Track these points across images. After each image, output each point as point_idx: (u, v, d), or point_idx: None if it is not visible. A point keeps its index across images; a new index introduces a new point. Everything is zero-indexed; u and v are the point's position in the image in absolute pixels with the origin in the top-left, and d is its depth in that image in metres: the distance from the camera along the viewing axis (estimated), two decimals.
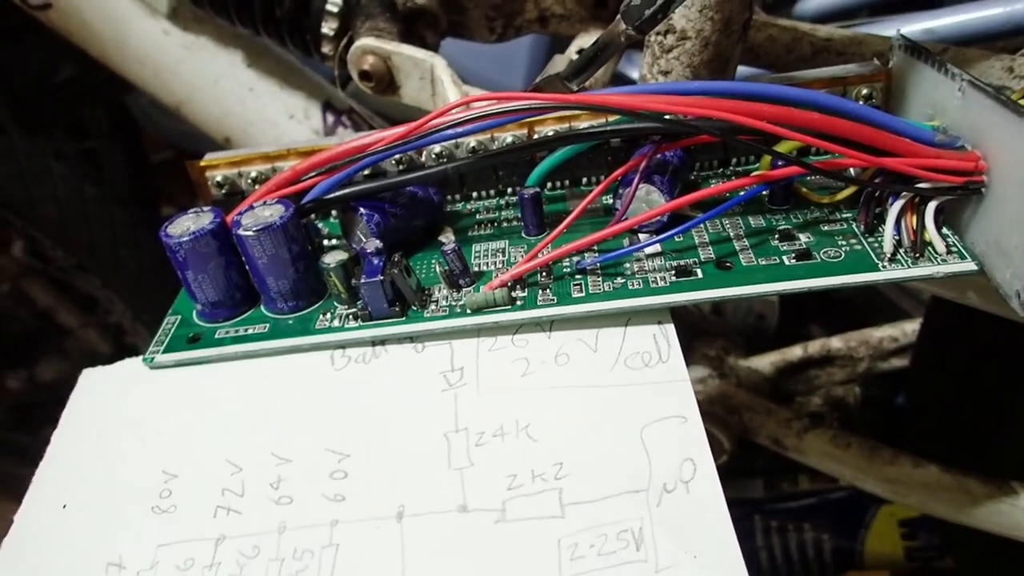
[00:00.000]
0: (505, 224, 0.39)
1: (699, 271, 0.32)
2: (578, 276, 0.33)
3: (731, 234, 0.34)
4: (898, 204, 0.32)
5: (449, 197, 0.41)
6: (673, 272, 0.33)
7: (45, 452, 0.32)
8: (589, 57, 0.35)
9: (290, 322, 0.34)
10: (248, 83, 0.60)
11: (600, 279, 0.33)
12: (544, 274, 0.34)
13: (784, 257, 0.32)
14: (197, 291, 0.34)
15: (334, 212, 0.41)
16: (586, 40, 0.50)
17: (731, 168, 0.40)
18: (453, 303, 0.33)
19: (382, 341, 0.34)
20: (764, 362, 0.75)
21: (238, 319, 0.35)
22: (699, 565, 0.25)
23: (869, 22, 0.78)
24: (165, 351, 0.34)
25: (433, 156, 0.38)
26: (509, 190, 0.41)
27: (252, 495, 0.29)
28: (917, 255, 0.31)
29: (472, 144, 0.38)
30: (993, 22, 0.67)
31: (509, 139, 0.38)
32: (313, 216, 0.37)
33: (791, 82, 0.37)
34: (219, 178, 0.40)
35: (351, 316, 0.34)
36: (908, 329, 0.74)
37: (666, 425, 0.29)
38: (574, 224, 0.34)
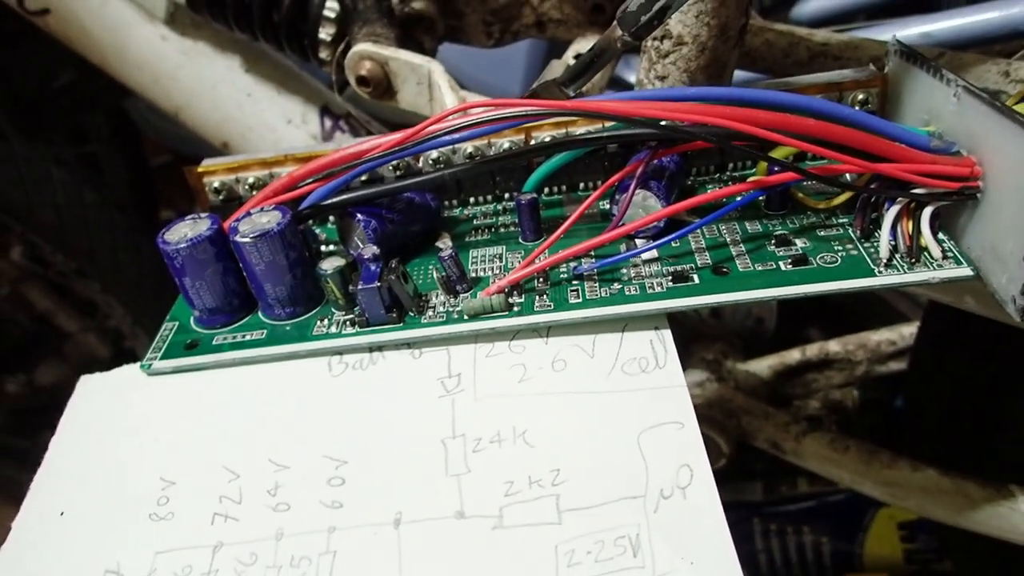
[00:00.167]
0: (502, 230, 0.39)
1: (696, 276, 0.32)
2: (575, 282, 0.33)
3: (728, 239, 0.34)
4: (894, 209, 0.32)
5: (446, 203, 0.41)
6: (670, 278, 0.33)
7: (43, 459, 0.32)
8: (586, 63, 0.35)
9: (287, 328, 0.34)
10: (246, 88, 0.60)
11: (597, 285, 0.33)
12: (541, 280, 0.34)
13: (780, 262, 0.32)
14: (195, 297, 0.34)
15: (331, 218, 0.41)
16: (583, 45, 0.51)
17: (728, 173, 0.40)
18: (450, 309, 0.33)
19: (379, 347, 0.34)
20: (762, 366, 0.75)
21: (235, 325, 0.35)
22: (696, 571, 0.25)
23: (866, 26, 0.78)
24: (163, 358, 0.34)
25: (430, 162, 0.39)
26: (506, 196, 0.41)
27: (250, 502, 0.29)
28: (913, 260, 0.31)
29: (469, 150, 0.38)
30: (990, 26, 0.67)
31: (506, 145, 0.38)
32: (310, 222, 0.37)
33: (787, 87, 0.37)
34: (216, 184, 0.40)
35: (348, 322, 0.34)
36: (906, 332, 0.73)
37: (663, 431, 0.29)
38: (571, 230, 0.34)
